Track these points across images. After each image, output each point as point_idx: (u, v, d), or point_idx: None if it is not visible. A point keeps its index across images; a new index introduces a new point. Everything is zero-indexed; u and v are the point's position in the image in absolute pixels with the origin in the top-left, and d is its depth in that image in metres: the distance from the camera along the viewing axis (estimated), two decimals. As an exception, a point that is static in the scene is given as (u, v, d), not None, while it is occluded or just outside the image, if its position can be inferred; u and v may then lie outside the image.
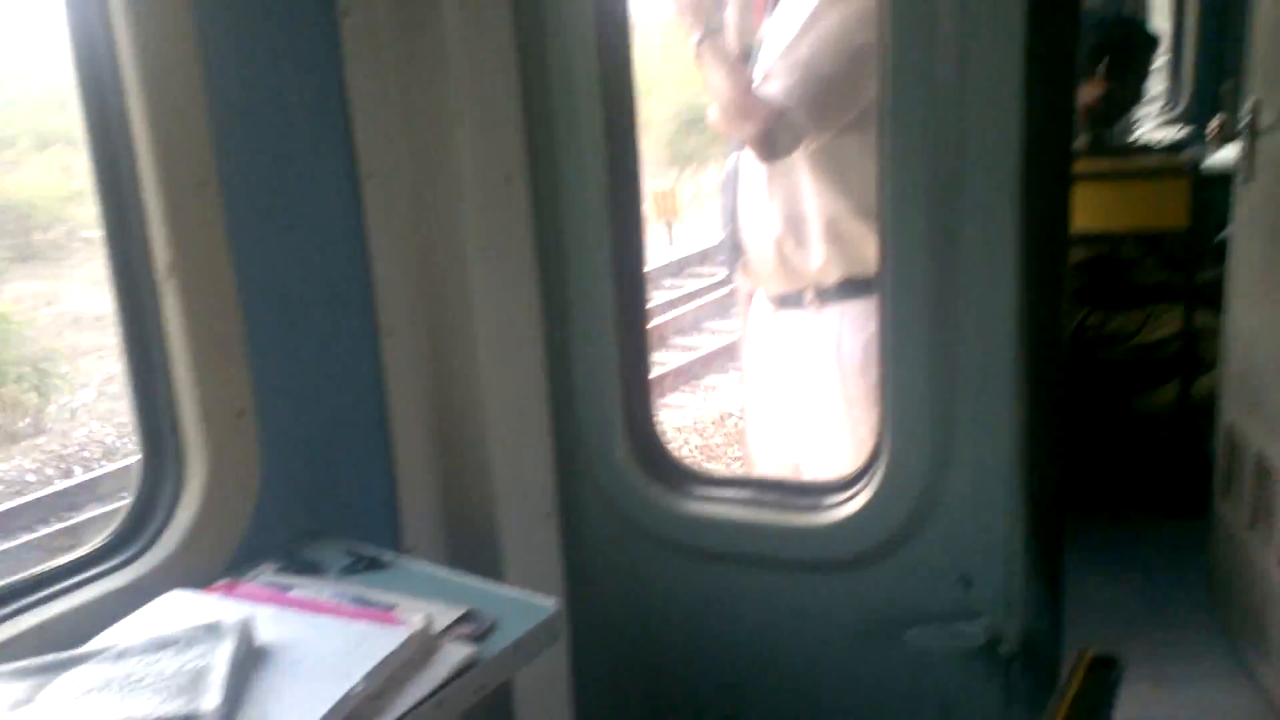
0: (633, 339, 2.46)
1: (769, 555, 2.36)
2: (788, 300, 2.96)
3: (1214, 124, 5.33)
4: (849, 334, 2.84)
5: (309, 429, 2.20)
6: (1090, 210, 3.88)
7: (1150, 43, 4.58)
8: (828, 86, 2.68)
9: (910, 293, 2.12)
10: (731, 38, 3.00)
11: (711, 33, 2.82)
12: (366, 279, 2.24)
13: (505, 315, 2.37)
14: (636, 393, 2.48)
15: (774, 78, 2.71)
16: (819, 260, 2.87)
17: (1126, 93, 4.47)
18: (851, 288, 2.83)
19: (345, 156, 2.17)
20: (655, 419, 2.53)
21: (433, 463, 2.42)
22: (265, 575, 2.02)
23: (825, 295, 2.89)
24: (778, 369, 3.08)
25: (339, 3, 2.11)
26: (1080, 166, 3.86)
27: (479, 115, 2.24)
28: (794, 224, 2.87)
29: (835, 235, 2.84)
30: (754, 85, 2.77)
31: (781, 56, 2.71)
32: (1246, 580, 3.18)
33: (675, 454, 2.52)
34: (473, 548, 2.42)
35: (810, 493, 2.40)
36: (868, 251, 2.76)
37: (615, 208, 2.36)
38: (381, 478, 2.34)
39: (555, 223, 2.38)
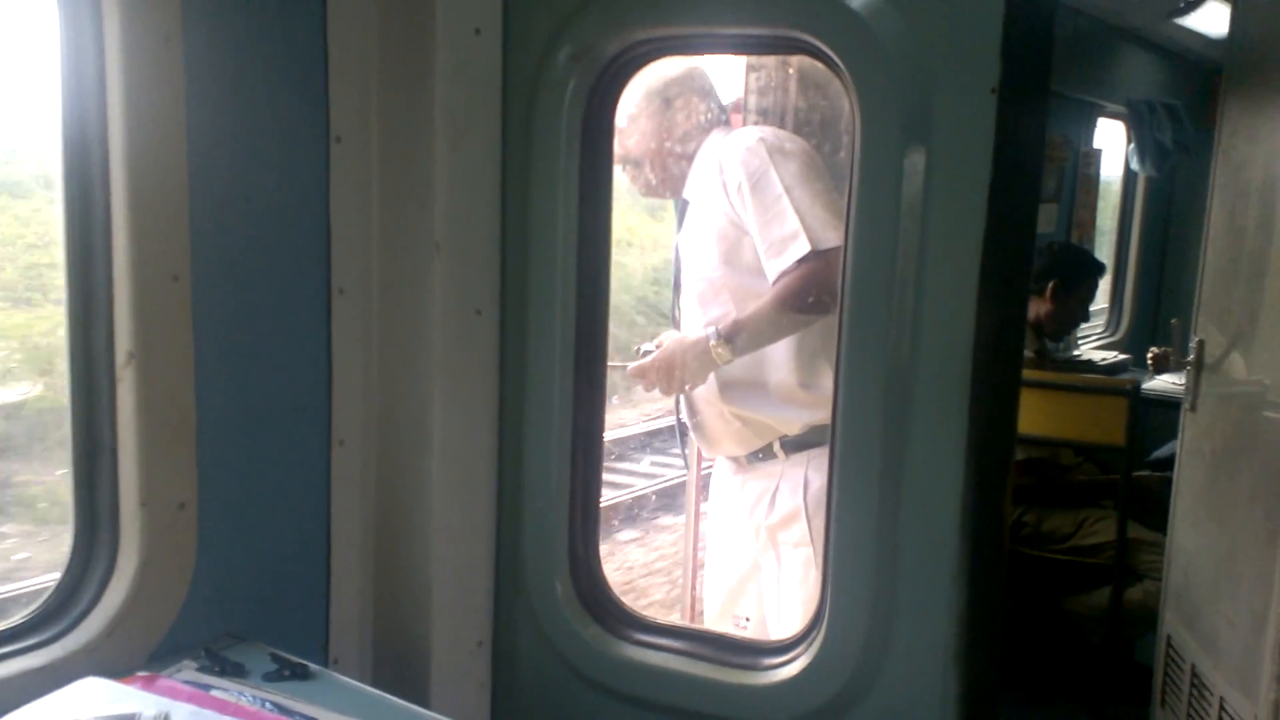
0: (585, 479, 2.47)
1: (706, 712, 2.32)
2: (754, 456, 3.01)
3: (1152, 352, 5.59)
4: (816, 475, 2.86)
5: (248, 529, 2.16)
6: (1034, 416, 4.01)
7: (1096, 269, 4.85)
8: (821, 208, 2.75)
9: (860, 470, 2.17)
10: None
11: (714, 338, 2.85)
12: (325, 390, 2.25)
13: (461, 442, 2.37)
14: (583, 532, 2.48)
15: (779, 251, 2.75)
16: (781, 419, 2.93)
17: (1073, 312, 4.70)
18: (818, 433, 2.87)
19: (320, 269, 2.21)
20: (600, 560, 2.51)
21: (368, 577, 2.38)
22: (187, 672, 1.95)
23: (792, 445, 2.94)
24: (744, 517, 3.09)
25: (332, 128, 2.18)
26: (1027, 375, 4.01)
27: (457, 248, 2.29)
28: (751, 398, 2.94)
29: (794, 399, 2.91)
30: (777, 275, 2.77)
31: (767, 232, 2.78)
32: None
33: (617, 597, 2.50)
34: (399, 668, 2.35)
35: (749, 651, 2.37)
36: (826, 410, 2.82)
37: (580, 350, 2.41)
38: (315, 586, 2.29)
39: (520, 358, 2.41)
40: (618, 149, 3.05)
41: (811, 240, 2.72)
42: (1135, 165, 6.35)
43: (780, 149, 2.84)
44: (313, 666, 2.02)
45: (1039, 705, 4.24)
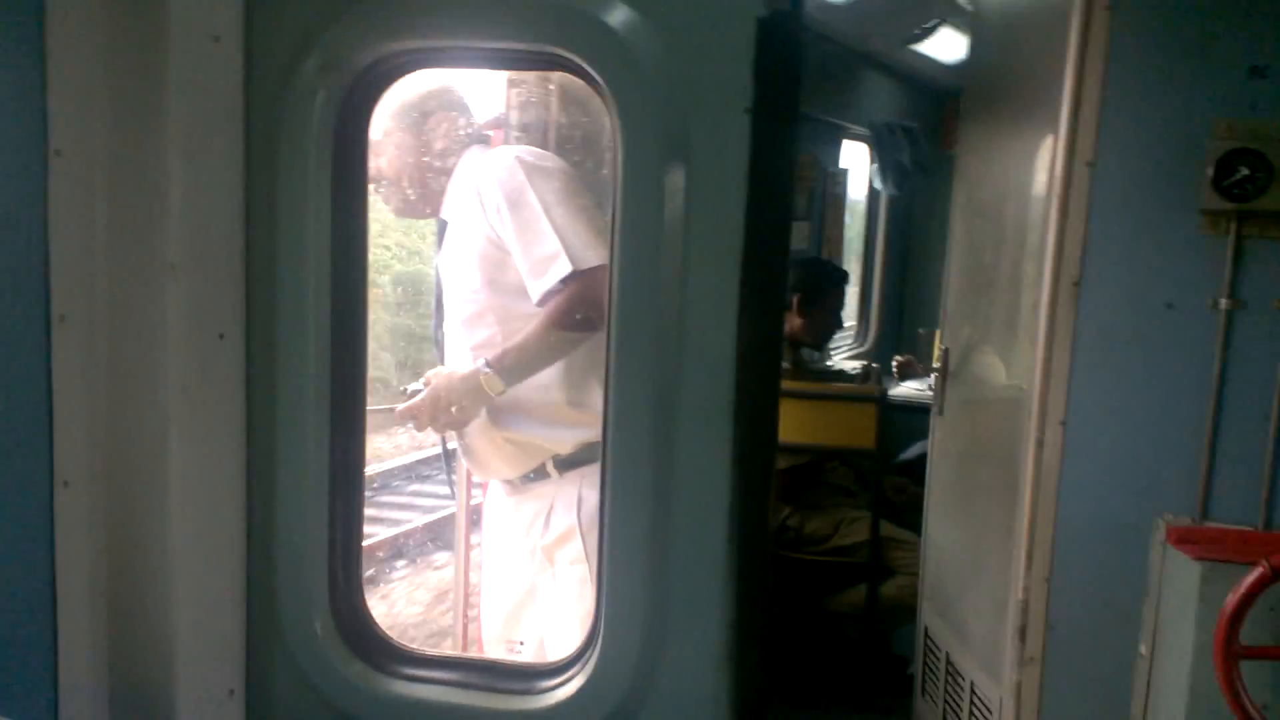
0: (344, 510, 2.36)
1: (480, 742, 2.25)
2: (528, 477, 2.96)
3: (896, 361, 5.93)
4: (590, 491, 2.84)
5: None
6: (792, 425, 4.18)
7: (839, 279, 5.09)
8: (582, 228, 2.72)
9: (631, 486, 2.18)
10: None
11: (484, 370, 2.80)
12: (46, 426, 2.05)
13: (203, 478, 2.21)
14: (344, 566, 2.36)
15: (539, 275, 2.72)
16: (552, 439, 2.90)
17: (823, 322, 4.92)
18: (591, 450, 2.84)
19: (37, 294, 2.02)
20: (363, 594, 2.40)
21: (101, 629, 2.17)
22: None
23: (565, 463, 2.91)
24: (518, 537, 3.02)
25: (51, 140, 2.00)
26: (784, 386, 4.16)
27: (195, 267, 2.15)
28: (519, 421, 2.90)
29: (563, 418, 2.88)
30: (541, 296, 2.74)
31: (529, 255, 2.74)
32: (937, 776, 3.34)
33: (383, 631, 2.39)
34: (143, 727, 2.17)
35: (524, 676, 2.33)
36: (599, 424, 2.82)
37: (336, 373, 2.30)
38: (40, 642, 2.07)
39: (269, 385, 2.28)
40: (371, 165, 2.96)
41: (573, 259, 2.70)
42: (878, 184, 6.73)
43: (538, 168, 2.82)
44: (39, 732, 1.83)
45: (805, 703, 4.39)
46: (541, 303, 2.76)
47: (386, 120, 2.95)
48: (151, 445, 2.12)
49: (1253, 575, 2.21)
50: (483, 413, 2.90)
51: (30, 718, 1.88)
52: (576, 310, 2.74)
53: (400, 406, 2.86)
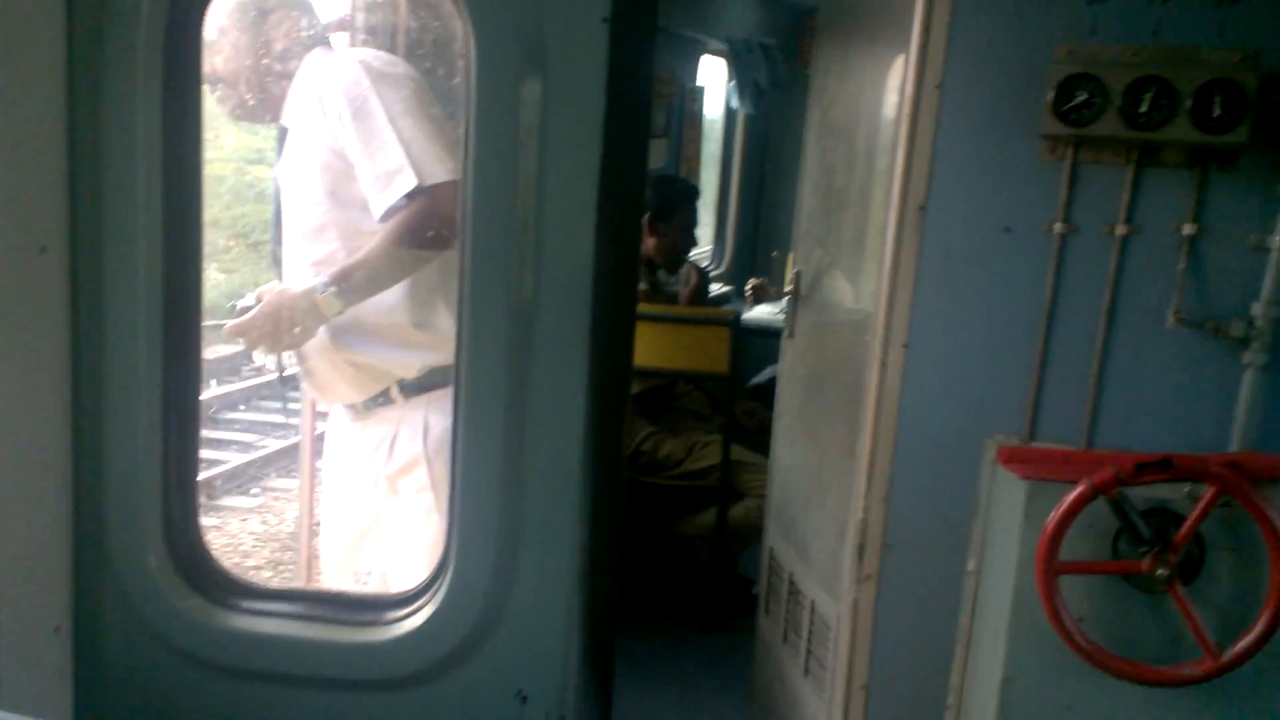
0: (179, 437, 2.26)
1: (325, 675, 2.21)
2: (371, 403, 2.87)
3: (750, 284, 6.00)
4: (437, 418, 2.78)
5: None
6: (647, 349, 4.19)
7: (690, 195, 5.09)
8: (430, 141, 2.60)
9: (484, 408, 2.14)
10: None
11: (324, 286, 2.67)
12: None
13: (23, 401, 2.08)
14: (179, 496, 2.27)
15: (382, 190, 2.59)
16: (398, 361, 2.82)
17: (676, 241, 4.92)
18: (437, 375, 2.78)
19: None
20: (200, 524, 2.31)
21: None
22: None
23: (411, 388, 2.83)
24: (361, 466, 2.95)
25: None
26: (640, 308, 4.16)
27: (12, 177, 2.00)
28: (362, 341, 2.80)
29: (407, 340, 2.80)
30: (384, 211, 2.61)
31: (371, 168, 2.61)
32: (780, 691, 3.44)
33: (221, 564, 2.31)
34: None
35: (372, 607, 2.29)
36: (446, 348, 2.74)
37: (170, 292, 2.17)
38: None
39: (95, 302, 2.15)
40: (206, 66, 2.77)
41: (418, 173, 2.59)
42: (735, 103, 6.72)
43: (384, 74, 2.68)
44: None
45: (654, 623, 4.49)
46: (384, 219, 2.65)
47: (223, 17, 2.76)
48: None
49: (1074, 493, 2.32)
50: (323, 334, 2.79)
51: None
52: (422, 227, 2.63)
53: (229, 323, 2.71)
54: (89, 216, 2.13)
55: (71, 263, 2.14)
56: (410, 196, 2.60)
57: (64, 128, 2.08)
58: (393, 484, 2.90)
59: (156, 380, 2.20)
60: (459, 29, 2.46)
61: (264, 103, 2.84)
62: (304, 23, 2.86)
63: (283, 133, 2.85)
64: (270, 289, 2.78)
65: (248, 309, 2.72)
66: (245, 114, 2.88)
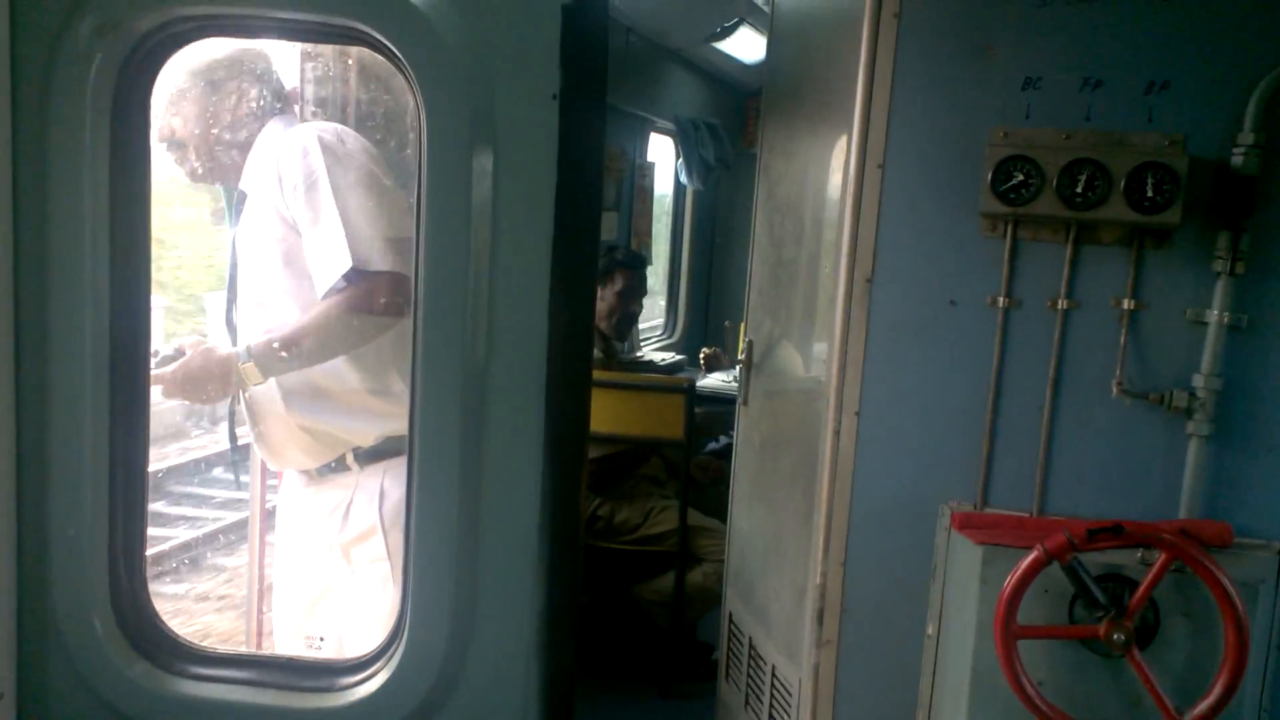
0: (126, 498, 2.21)
1: (274, 743, 2.16)
2: (326, 469, 2.84)
3: (704, 352, 6.06)
4: (393, 486, 2.76)
5: None
6: (603, 415, 4.20)
7: (639, 263, 5.16)
8: (372, 226, 2.62)
9: (439, 475, 2.13)
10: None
11: (251, 356, 2.68)
12: None
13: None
14: (126, 558, 2.21)
15: (324, 272, 2.61)
16: (352, 430, 2.80)
17: (626, 308, 4.97)
18: (393, 443, 2.77)
19: None
20: (147, 587, 2.26)
21: None
22: None
23: (366, 455, 2.81)
24: (314, 533, 2.90)
25: None
26: (596, 375, 4.18)
27: None
28: (317, 403, 2.79)
29: (362, 408, 2.80)
30: (326, 289, 2.63)
31: (315, 250, 2.63)
32: (739, 760, 3.42)
33: (167, 627, 2.26)
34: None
35: (323, 673, 2.24)
36: (400, 417, 2.74)
37: (116, 351, 2.16)
38: None
39: (41, 364, 2.12)
40: (163, 128, 2.78)
41: (356, 259, 2.61)
42: (684, 178, 6.85)
43: (337, 152, 2.70)
44: None
45: (613, 690, 4.44)
46: (325, 296, 2.65)
47: (182, 80, 2.78)
48: None
49: (1028, 559, 2.36)
50: (277, 398, 2.77)
51: None
52: (355, 309, 2.64)
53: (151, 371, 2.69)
54: (34, 282, 2.11)
55: (15, 326, 2.12)
56: (348, 279, 2.62)
57: (9, 194, 2.08)
58: (347, 552, 2.87)
59: (103, 442, 2.16)
60: (410, 102, 2.50)
61: (216, 169, 2.86)
62: (259, 92, 2.88)
63: (241, 197, 2.86)
64: (192, 343, 2.75)
65: (169, 359, 2.69)
66: (198, 178, 2.89)
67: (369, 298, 2.63)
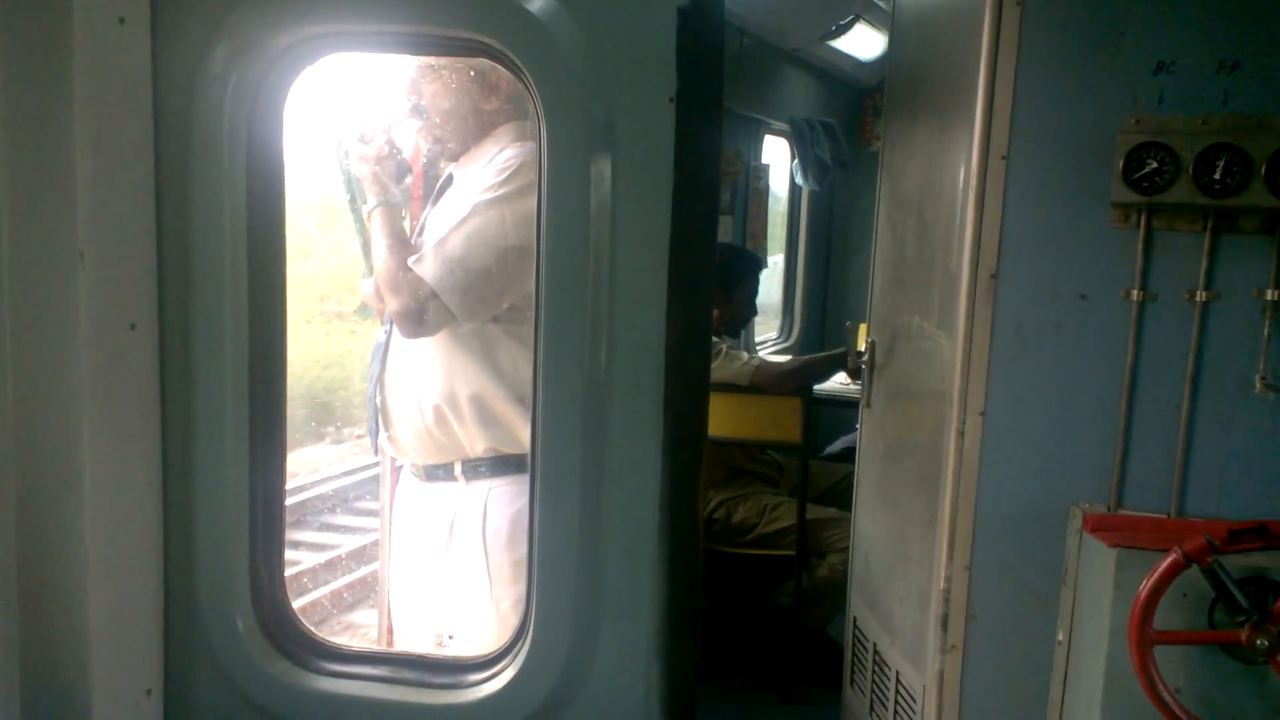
0: (265, 503, 2.31)
1: (407, 736, 2.22)
2: (435, 473, 2.92)
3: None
4: (496, 509, 2.83)
5: None
6: (718, 419, 4.20)
7: (755, 265, 5.14)
8: (475, 280, 2.75)
9: (560, 476, 2.17)
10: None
11: (387, 204, 2.85)
12: None
13: (117, 470, 2.15)
14: (266, 560, 2.31)
15: (426, 261, 2.75)
16: (467, 435, 2.86)
17: (740, 310, 4.95)
18: (500, 464, 2.84)
19: None
20: (285, 588, 2.35)
21: (12, 627, 2.10)
22: None
23: (473, 470, 2.87)
24: (424, 541, 2.99)
25: None
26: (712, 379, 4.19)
27: (105, 256, 2.08)
28: (443, 394, 2.87)
29: (483, 413, 2.85)
30: (409, 263, 2.79)
31: (436, 245, 2.76)
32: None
33: (307, 627, 2.35)
34: (57, 729, 2.09)
35: (451, 670, 2.29)
36: (515, 429, 2.81)
37: (255, 364, 2.25)
38: None
39: (185, 375, 2.22)
40: (412, 90, 2.91)
41: (436, 282, 2.74)
42: (799, 180, 6.79)
43: (509, 195, 2.76)
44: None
45: (735, 694, 4.42)
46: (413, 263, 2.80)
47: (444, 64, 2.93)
48: (64, 438, 2.05)
49: (1165, 562, 2.27)
50: (422, 375, 2.89)
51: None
52: (401, 300, 2.79)
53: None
54: (177, 294, 2.21)
55: (160, 338, 2.22)
56: (420, 284, 2.76)
57: (153, 211, 2.18)
58: (450, 569, 2.94)
59: (244, 450, 2.26)
60: (530, 109, 2.54)
61: (447, 148, 2.98)
62: (507, 95, 2.98)
63: (448, 179, 2.98)
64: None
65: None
66: (435, 151, 3.03)
67: (413, 303, 2.78)
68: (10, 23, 1.97)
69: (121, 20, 2.08)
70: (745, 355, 4.50)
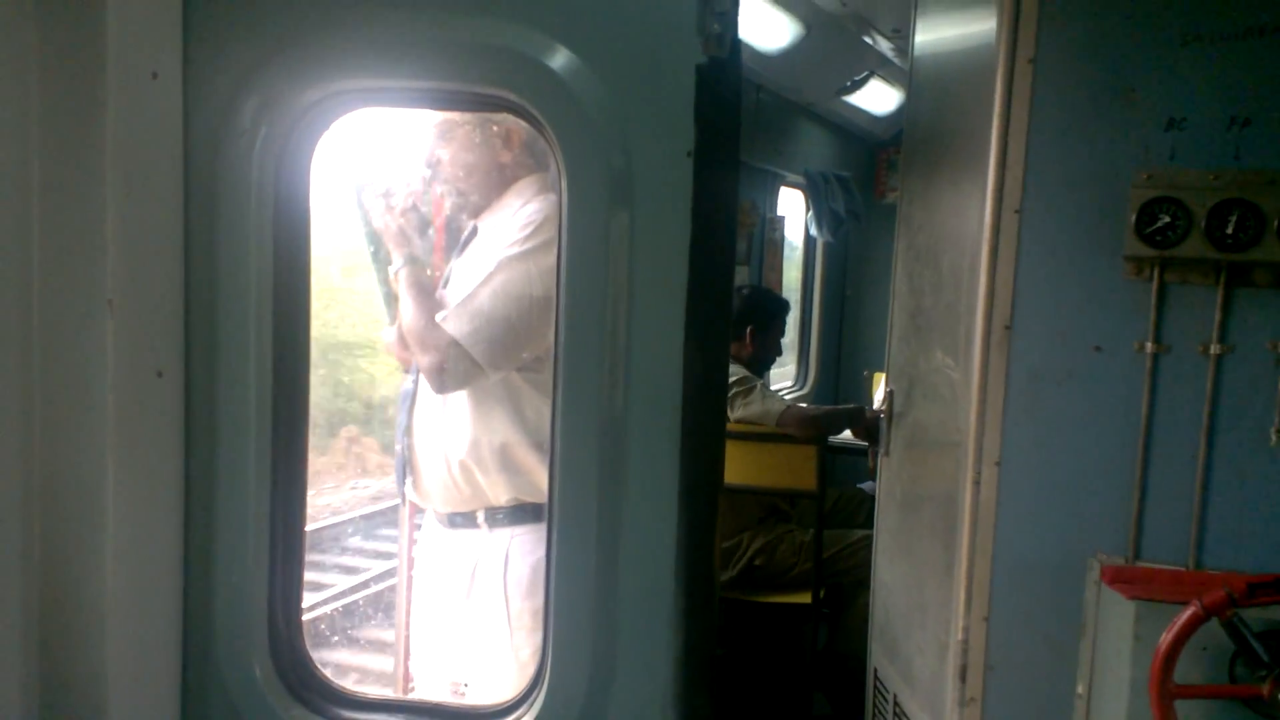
0: (285, 550, 2.32)
1: (425, 784, 2.21)
2: (457, 520, 2.93)
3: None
4: (518, 557, 2.84)
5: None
6: (734, 467, 4.21)
7: (784, 307, 5.22)
8: (501, 333, 2.80)
9: (578, 524, 2.17)
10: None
11: (411, 263, 2.89)
12: None
13: (140, 516, 2.16)
14: (284, 607, 2.32)
15: (454, 318, 2.79)
16: (490, 485, 2.88)
17: (769, 349, 5.00)
18: (523, 512, 2.86)
19: None
20: (303, 635, 2.36)
21: (32, 671, 2.10)
22: None
23: (495, 518, 2.89)
24: (444, 587, 3.00)
25: None
26: (729, 426, 4.20)
27: (134, 303, 2.11)
28: (468, 445, 2.89)
29: (507, 462, 2.88)
30: (437, 320, 2.83)
31: (463, 301, 2.80)
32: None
33: (324, 674, 2.35)
34: (72, 777, 2.09)
35: (469, 717, 2.29)
36: (539, 478, 2.83)
37: (278, 414, 2.28)
38: None
39: (209, 423, 2.25)
40: (431, 157, 2.99)
41: (460, 334, 2.78)
42: (813, 231, 6.84)
43: (533, 251, 2.82)
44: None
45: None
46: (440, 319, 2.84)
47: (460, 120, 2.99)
48: (87, 482, 2.08)
49: (1185, 615, 2.26)
50: (447, 429, 2.91)
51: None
52: (427, 355, 2.84)
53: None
54: (203, 343, 2.25)
55: (186, 386, 2.25)
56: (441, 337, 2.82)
57: (181, 260, 2.21)
58: (470, 616, 2.94)
59: (265, 498, 2.27)
60: (550, 164, 2.58)
61: (475, 204, 3.03)
62: (527, 149, 3.03)
63: (472, 231, 3.04)
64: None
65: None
66: (458, 205, 3.09)
67: (441, 359, 2.84)
68: (45, 76, 2.03)
69: (154, 75, 2.13)
70: (779, 397, 4.52)
